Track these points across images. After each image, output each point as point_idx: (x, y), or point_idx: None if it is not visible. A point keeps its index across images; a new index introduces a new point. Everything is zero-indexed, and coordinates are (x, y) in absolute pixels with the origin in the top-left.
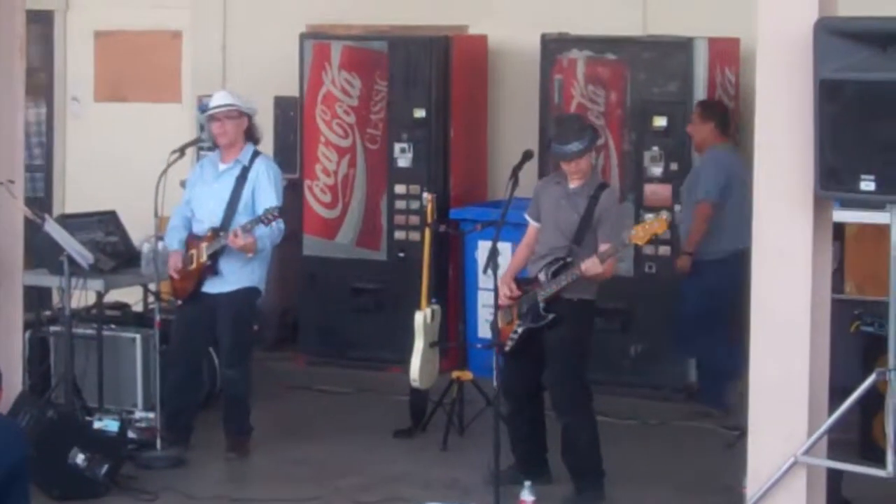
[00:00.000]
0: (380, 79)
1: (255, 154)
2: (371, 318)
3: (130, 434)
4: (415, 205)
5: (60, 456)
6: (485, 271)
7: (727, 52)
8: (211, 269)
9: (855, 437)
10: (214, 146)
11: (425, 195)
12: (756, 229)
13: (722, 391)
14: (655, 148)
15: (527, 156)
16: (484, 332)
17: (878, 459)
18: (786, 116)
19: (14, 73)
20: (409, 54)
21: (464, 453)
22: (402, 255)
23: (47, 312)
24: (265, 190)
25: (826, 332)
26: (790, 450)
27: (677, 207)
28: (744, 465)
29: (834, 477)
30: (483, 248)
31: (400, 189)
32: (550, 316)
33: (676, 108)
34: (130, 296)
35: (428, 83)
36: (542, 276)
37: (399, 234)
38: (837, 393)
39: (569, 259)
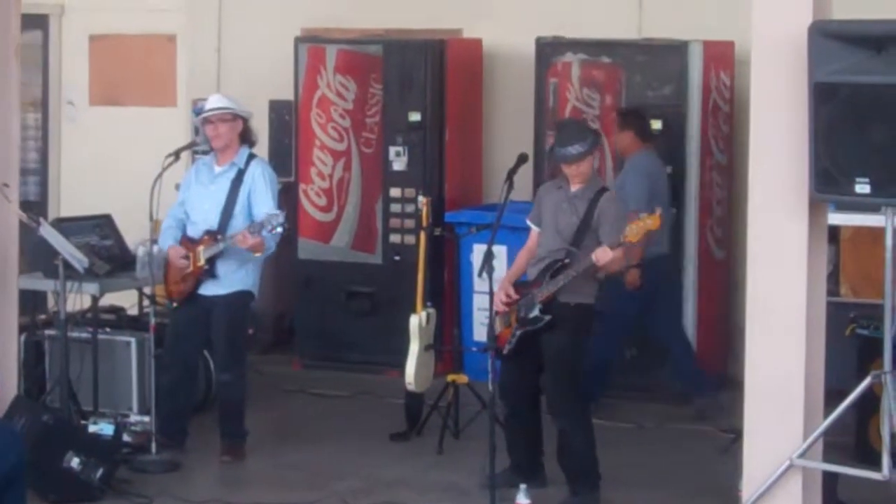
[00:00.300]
0: (375, 82)
1: (251, 157)
2: (366, 321)
3: (125, 438)
4: (410, 208)
5: (55, 460)
6: (480, 274)
7: (722, 56)
8: (209, 272)
9: (850, 439)
10: (210, 150)
11: (420, 198)
12: (751, 232)
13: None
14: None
15: (522, 159)
16: (479, 335)
17: (874, 462)
18: (781, 119)
19: (9, 77)
20: (404, 58)
21: (459, 456)
22: (397, 258)
23: (42, 316)
24: (261, 193)
25: (821, 335)
26: (786, 453)
27: (673, 210)
28: (739, 468)
29: (830, 480)
30: (478, 252)
31: (395, 192)
32: (546, 318)
33: (671, 111)
34: (125, 299)
35: (423, 87)
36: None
37: (394, 238)
38: (833, 396)
39: (566, 260)
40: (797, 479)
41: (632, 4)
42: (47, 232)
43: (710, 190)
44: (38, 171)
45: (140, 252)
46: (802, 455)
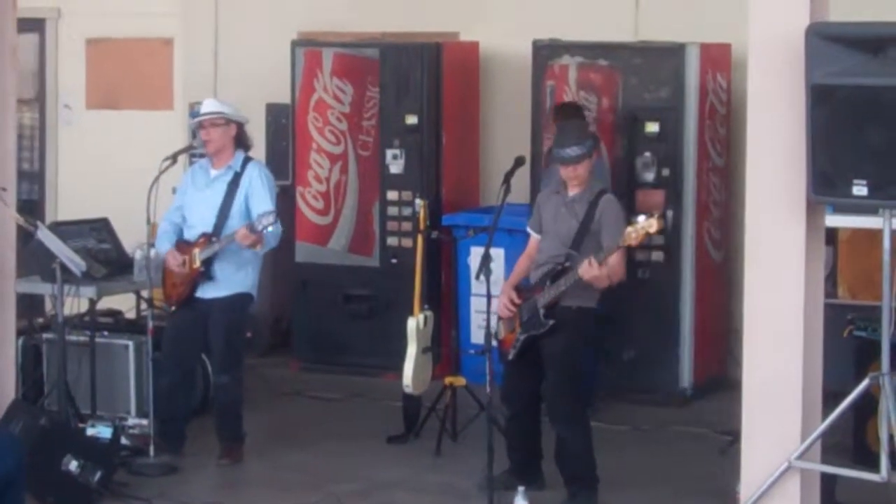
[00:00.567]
0: (371, 85)
1: (247, 160)
2: (364, 324)
3: (123, 441)
4: (407, 211)
5: (54, 463)
6: (477, 277)
7: (719, 58)
8: (204, 274)
9: (849, 441)
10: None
11: (417, 201)
12: (749, 234)
13: None
14: (647, 154)
15: (519, 162)
16: (477, 338)
17: (872, 464)
18: (778, 122)
19: (5, 81)
20: (401, 61)
21: (457, 459)
22: (394, 261)
23: (40, 319)
24: (259, 195)
25: (819, 337)
26: (784, 454)
27: (670, 213)
28: (737, 469)
29: (828, 481)
30: (475, 254)
31: (392, 195)
32: (550, 322)
33: (668, 113)
34: (123, 303)
35: (420, 90)
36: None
37: (391, 241)
38: (831, 397)
39: (567, 265)
40: (795, 480)
41: (628, 7)
42: (45, 235)
43: (708, 192)
44: (35, 175)
45: (137, 255)
46: (800, 457)
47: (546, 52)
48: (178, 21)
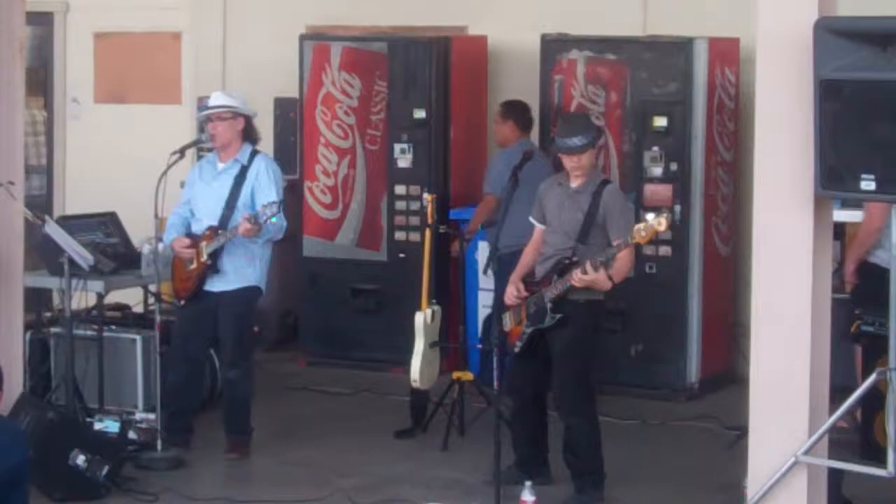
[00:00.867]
0: (380, 79)
1: (254, 153)
2: (371, 318)
3: (131, 435)
4: (415, 205)
5: (61, 457)
6: (485, 272)
7: (727, 52)
8: (212, 267)
9: (856, 436)
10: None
11: (425, 196)
12: (756, 229)
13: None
14: (655, 148)
15: (526, 156)
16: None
17: (880, 459)
18: (786, 116)
19: (14, 74)
20: (409, 55)
21: (464, 453)
22: (402, 255)
23: (48, 314)
24: (265, 187)
25: (827, 332)
26: (791, 449)
27: (678, 207)
28: (744, 464)
29: (835, 476)
30: (483, 249)
31: (400, 190)
32: (558, 316)
33: (676, 108)
34: (131, 297)
35: (428, 84)
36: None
37: (399, 235)
38: (838, 392)
39: (574, 258)
40: (802, 475)
41: (637, 1)
42: (52, 229)
43: (716, 187)
44: (43, 169)
45: (145, 250)
46: (807, 452)
47: (554, 47)
48: (186, 15)
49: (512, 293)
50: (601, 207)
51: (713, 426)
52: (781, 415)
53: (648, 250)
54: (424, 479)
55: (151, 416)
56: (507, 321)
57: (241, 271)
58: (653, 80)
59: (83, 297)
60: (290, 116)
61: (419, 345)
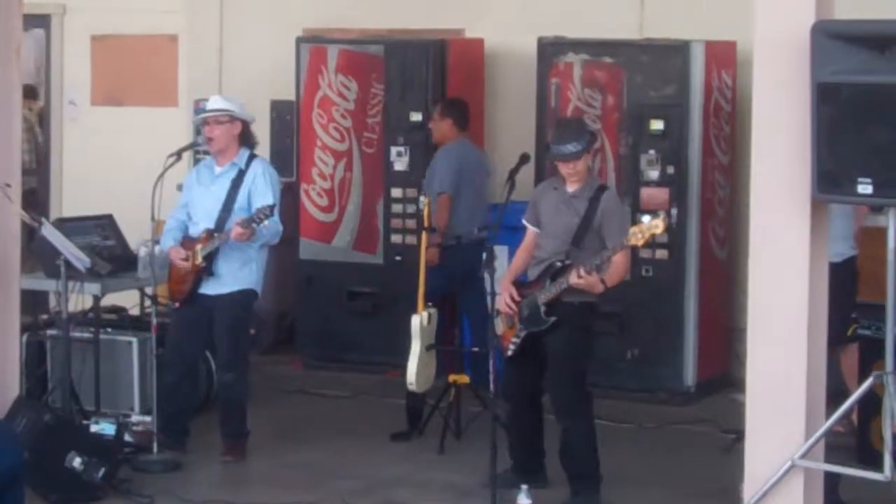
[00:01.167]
0: (376, 82)
1: (252, 157)
2: (368, 321)
3: (127, 437)
4: (411, 208)
5: (57, 459)
6: (481, 274)
7: (724, 56)
8: (206, 270)
9: (852, 440)
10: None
11: (422, 199)
12: (753, 232)
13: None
14: (652, 151)
15: (523, 159)
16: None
17: (876, 463)
18: (783, 119)
19: (10, 77)
20: (406, 58)
21: (460, 456)
22: (398, 258)
23: (44, 316)
24: (262, 191)
25: (823, 336)
26: (787, 453)
27: (674, 210)
28: (741, 468)
29: (831, 480)
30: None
31: (396, 193)
32: (552, 319)
33: (673, 111)
34: (127, 299)
35: (424, 87)
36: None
37: (396, 238)
38: (834, 396)
39: (568, 262)
40: (799, 479)
41: (633, 4)
42: (49, 232)
43: (712, 190)
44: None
45: (142, 252)
46: (804, 455)
47: (551, 50)
48: (183, 18)
49: (506, 299)
50: (598, 213)
51: (710, 430)
52: (778, 418)
53: (645, 253)
54: (420, 482)
55: (148, 418)
56: (499, 325)
57: (236, 274)
58: (649, 83)
59: (79, 299)
60: (287, 119)
61: (415, 347)
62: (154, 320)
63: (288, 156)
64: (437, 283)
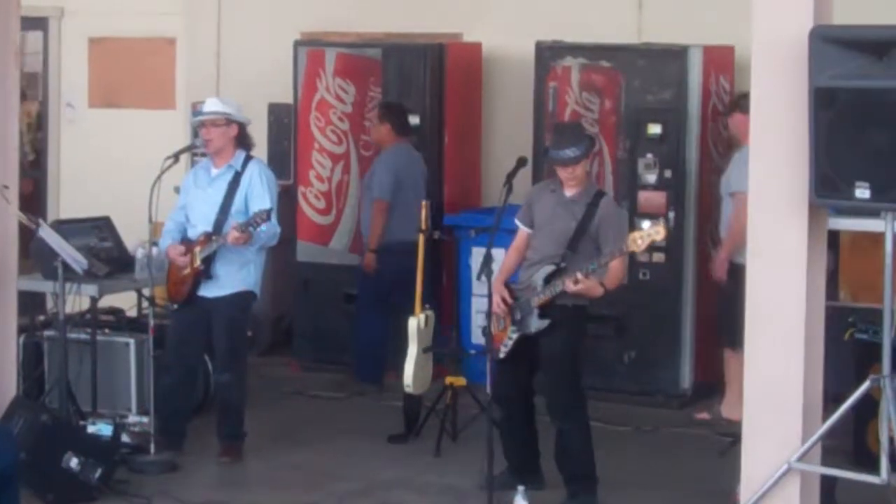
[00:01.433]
0: (374, 86)
1: (248, 159)
2: None
3: (124, 438)
4: None
5: (54, 460)
6: (479, 277)
7: (722, 60)
8: (205, 272)
9: (849, 443)
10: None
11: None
12: (751, 236)
13: (374, 366)
14: (650, 155)
15: (521, 162)
16: (477, 338)
17: (872, 466)
18: (781, 124)
19: (8, 79)
20: (403, 61)
21: (457, 459)
22: None
23: (41, 317)
24: (259, 193)
25: (820, 340)
26: (784, 456)
27: (672, 214)
28: (737, 471)
29: (828, 483)
30: (477, 255)
31: None
32: (546, 322)
33: (671, 115)
34: (124, 301)
35: (422, 90)
36: (537, 282)
37: None
38: (831, 400)
39: (562, 265)
40: (795, 482)
41: (632, 9)
42: (47, 233)
43: (710, 194)
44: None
45: (139, 254)
46: (801, 459)
47: (549, 54)
48: (180, 20)
49: (498, 302)
50: (596, 218)
51: (706, 432)
52: (775, 421)
53: (642, 257)
54: (417, 485)
55: (145, 419)
56: (492, 326)
57: (235, 276)
58: (647, 87)
59: (77, 300)
60: (284, 122)
61: (412, 350)
62: (151, 322)
63: (285, 159)
64: (374, 288)
